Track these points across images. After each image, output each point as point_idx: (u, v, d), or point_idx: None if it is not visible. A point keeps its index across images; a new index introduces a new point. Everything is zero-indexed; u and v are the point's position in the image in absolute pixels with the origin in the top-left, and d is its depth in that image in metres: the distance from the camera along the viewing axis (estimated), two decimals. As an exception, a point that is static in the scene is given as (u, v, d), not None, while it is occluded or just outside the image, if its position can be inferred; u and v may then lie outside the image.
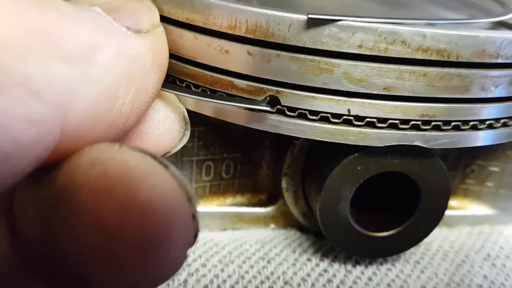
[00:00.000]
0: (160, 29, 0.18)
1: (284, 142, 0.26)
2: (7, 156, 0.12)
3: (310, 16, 0.18)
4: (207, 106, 0.21)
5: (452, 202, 0.30)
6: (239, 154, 0.27)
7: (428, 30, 0.18)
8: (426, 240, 0.25)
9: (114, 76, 0.15)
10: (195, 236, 0.14)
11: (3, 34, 0.12)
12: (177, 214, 0.14)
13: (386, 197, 0.25)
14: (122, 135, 0.17)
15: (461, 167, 0.29)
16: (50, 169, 0.15)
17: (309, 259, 0.26)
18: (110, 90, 0.15)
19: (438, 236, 0.29)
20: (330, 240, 0.24)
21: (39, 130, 0.13)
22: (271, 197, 0.28)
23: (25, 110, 0.13)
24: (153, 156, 0.14)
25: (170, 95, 0.20)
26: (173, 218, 0.14)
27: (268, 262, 0.25)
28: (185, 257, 0.14)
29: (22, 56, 0.13)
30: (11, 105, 0.12)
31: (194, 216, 0.14)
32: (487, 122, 0.21)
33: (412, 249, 0.27)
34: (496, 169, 0.29)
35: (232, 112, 0.21)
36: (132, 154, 0.14)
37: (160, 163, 0.14)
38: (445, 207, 0.24)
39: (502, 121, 0.22)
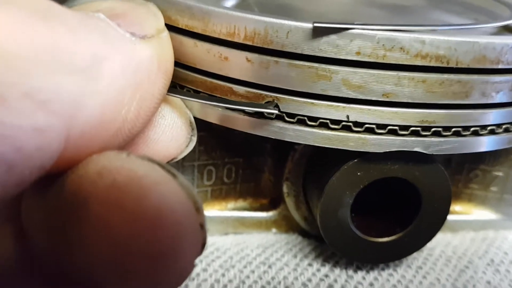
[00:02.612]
0: (165, 33, 0.18)
1: (285, 147, 0.26)
2: (12, 165, 0.12)
3: (316, 24, 0.18)
4: (212, 113, 0.21)
5: (456, 207, 0.30)
6: (241, 159, 0.27)
7: (427, 37, 0.18)
8: (429, 245, 0.25)
9: (120, 85, 0.15)
10: (203, 245, 0.14)
11: (9, 48, 0.12)
12: (186, 224, 0.14)
13: (387, 203, 0.25)
14: (128, 142, 0.17)
15: (465, 172, 0.29)
16: (57, 177, 0.15)
17: (310, 264, 0.26)
18: (115, 98, 0.15)
19: (441, 241, 0.28)
20: (330, 245, 0.24)
21: (43, 139, 0.13)
22: (273, 201, 0.28)
23: (30, 121, 0.12)
24: (161, 165, 0.14)
25: (177, 100, 0.20)
26: (182, 228, 0.13)
27: (269, 267, 0.26)
28: (193, 266, 0.14)
29: (28, 69, 0.13)
30: (16, 116, 0.12)
31: (202, 225, 0.14)
32: (489, 128, 0.21)
33: (415, 254, 0.27)
34: (500, 173, 0.29)
35: (235, 118, 0.21)
36: (140, 163, 0.14)
37: (168, 172, 0.14)
38: (446, 212, 0.24)
39: (504, 126, 0.22)
